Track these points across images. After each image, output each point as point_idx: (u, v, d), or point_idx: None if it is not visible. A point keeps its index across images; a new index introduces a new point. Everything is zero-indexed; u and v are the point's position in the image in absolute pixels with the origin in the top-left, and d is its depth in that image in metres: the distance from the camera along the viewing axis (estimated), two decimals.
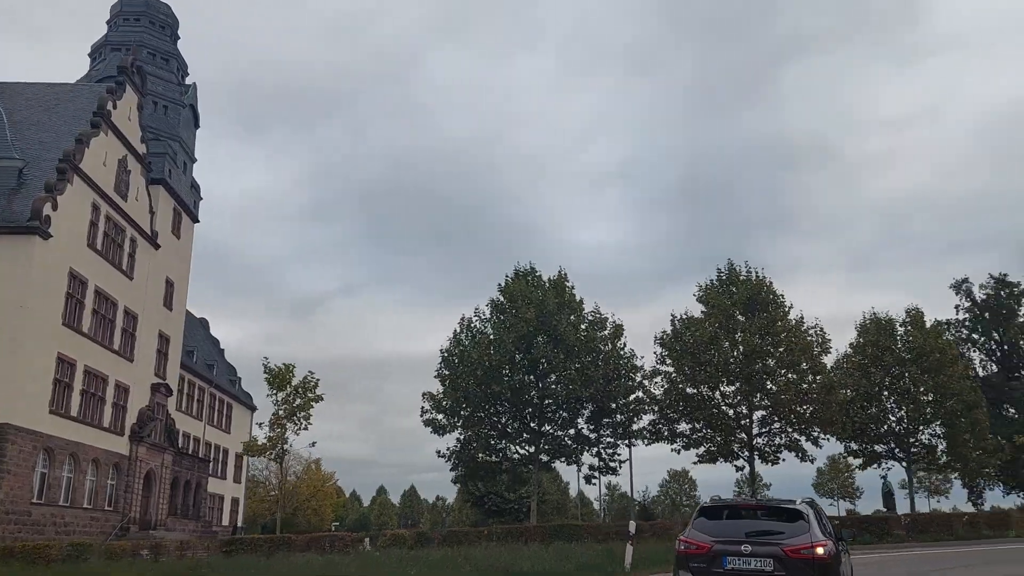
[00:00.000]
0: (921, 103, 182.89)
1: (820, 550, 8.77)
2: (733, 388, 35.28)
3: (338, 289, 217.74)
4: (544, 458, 35.11)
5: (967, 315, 55.43)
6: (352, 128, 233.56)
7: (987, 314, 54.90)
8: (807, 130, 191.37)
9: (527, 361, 33.72)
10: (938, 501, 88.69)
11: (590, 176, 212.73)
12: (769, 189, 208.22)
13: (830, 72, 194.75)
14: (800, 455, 35.25)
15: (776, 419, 35.24)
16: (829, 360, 36.24)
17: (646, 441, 36.87)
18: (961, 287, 55.29)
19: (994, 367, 61.17)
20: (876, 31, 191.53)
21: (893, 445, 39.43)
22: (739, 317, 35.05)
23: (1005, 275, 55.94)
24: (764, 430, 35.74)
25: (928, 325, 40.20)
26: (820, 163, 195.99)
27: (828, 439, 36.40)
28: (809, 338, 34.66)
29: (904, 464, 39.73)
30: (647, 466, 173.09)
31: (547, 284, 34.45)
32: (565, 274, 35.19)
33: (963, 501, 66.62)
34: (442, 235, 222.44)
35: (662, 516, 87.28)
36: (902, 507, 78.56)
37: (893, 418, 39.36)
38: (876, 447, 39.96)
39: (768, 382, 34.72)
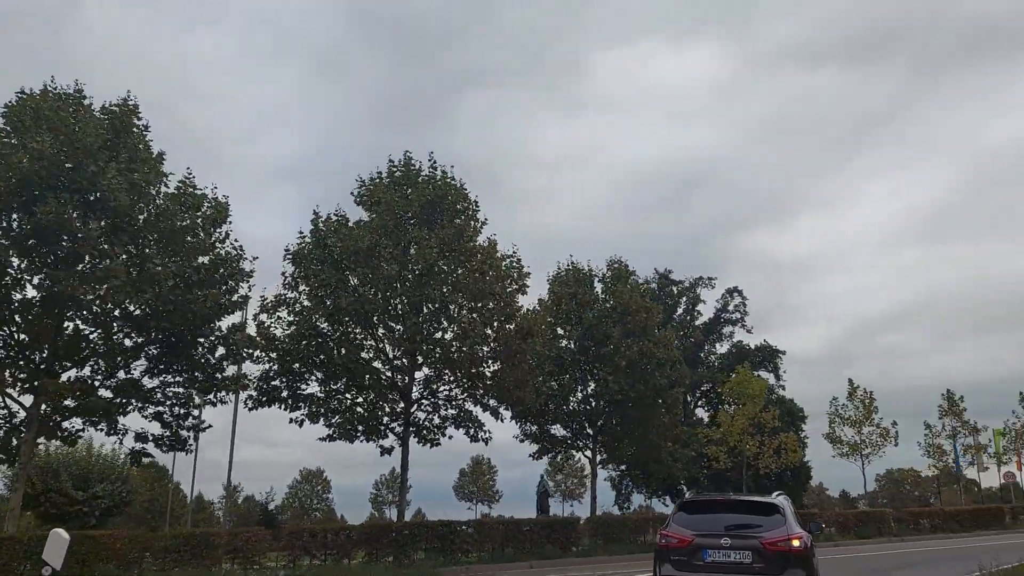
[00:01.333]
0: (574, 151, 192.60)
1: (796, 542, 9.39)
2: (393, 332, 23.78)
3: None
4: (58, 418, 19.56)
5: None
6: None
7: None
8: (478, 157, 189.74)
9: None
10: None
11: (264, 167, 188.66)
12: None
13: (503, 107, 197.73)
14: (473, 430, 25.04)
15: (447, 376, 24.47)
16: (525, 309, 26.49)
17: (249, 404, 23.57)
18: None
19: None
20: (547, 78, 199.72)
21: (586, 428, 31.30)
22: (413, 227, 23.68)
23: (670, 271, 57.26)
24: (427, 394, 24.82)
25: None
26: (488, 190, 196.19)
27: (506, 413, 26.81)
28: (504, 268, 24.56)
29: (589, 455, 31.90)
30: (275, 458, 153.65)
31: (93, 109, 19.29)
32: (131, 102, 20.00)
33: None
34: None
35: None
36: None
37: (580, 394, 31.18)
38: (556, 430, 31.62)
39: (443, 319, 23.81)
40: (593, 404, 30.84)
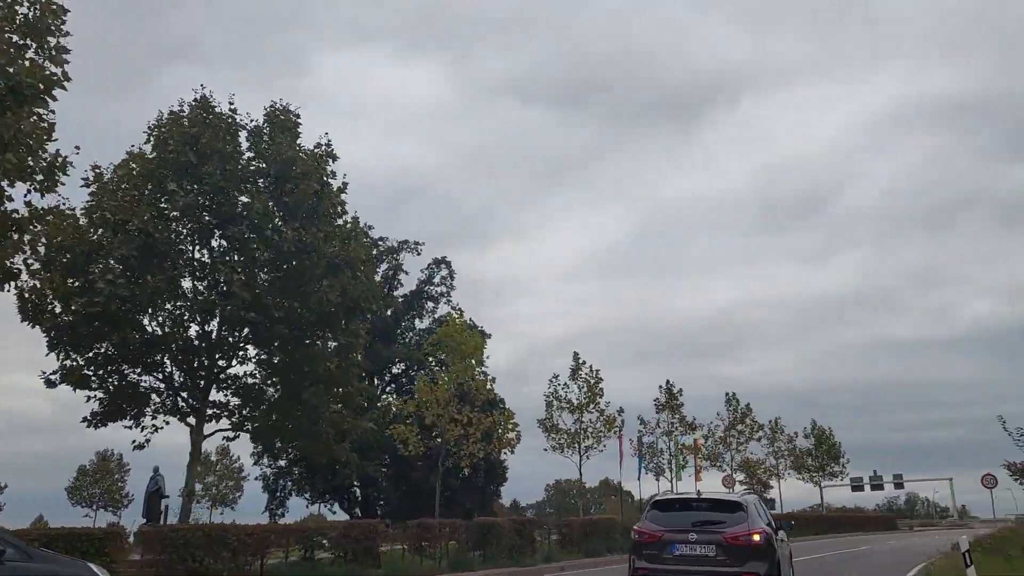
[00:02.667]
0: None
1: (756, 537, 9.90)
2: None
3: None
4: None
5: None
6: None
7: None
8: None
9: None
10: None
11: None
12: None
13: (216, 87, 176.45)
14: None
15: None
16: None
17: None
18: None
19: None
20: (265, 67, 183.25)
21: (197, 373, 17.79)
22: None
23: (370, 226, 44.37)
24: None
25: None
26: None
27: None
28: None
29: (192, 426, 18.77)
30: None
31: None
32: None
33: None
34: None
35: None
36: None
37: (185, 309, 17.93)
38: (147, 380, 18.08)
39: None
40: (207, 326, 17.93)
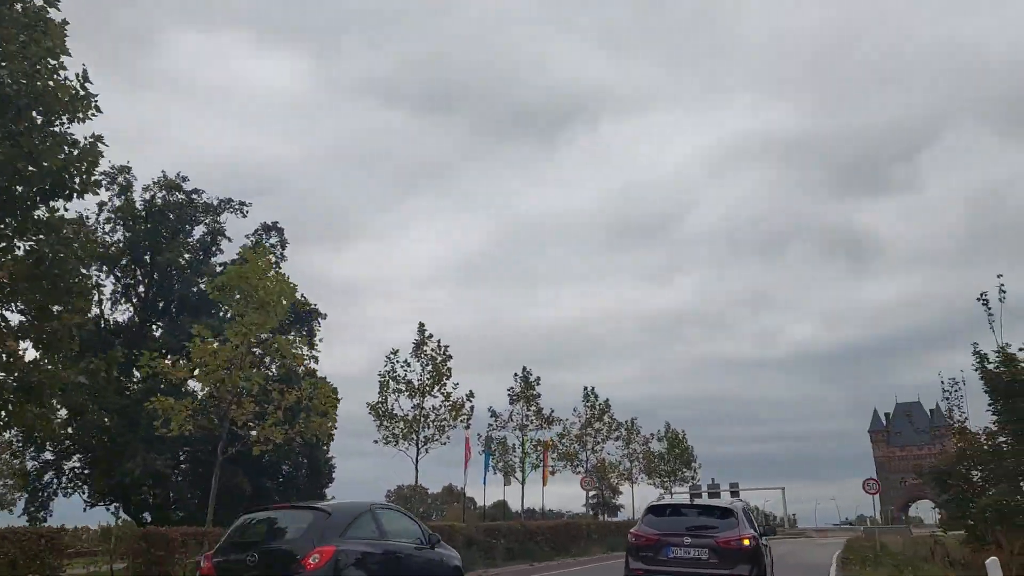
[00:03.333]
0: (132, 125, 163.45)
1: (746, 542, 10.64)
2: None
3: None
4: None
5: None
6: None
7: None
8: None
9: None
10: None
11: None
12: None
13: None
14: None
15: None
16: None
17: None
18: None
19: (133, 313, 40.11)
20: (111, 43, 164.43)
21: None
22: None
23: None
24: None
25: None
26: None
27: None
28: None
29: None
30: None
31: None
32: None
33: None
34: None
35: None
36: None
37: None
38: None
39: None
40: None
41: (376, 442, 26.59)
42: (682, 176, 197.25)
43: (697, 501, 11.91)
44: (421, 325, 26.73)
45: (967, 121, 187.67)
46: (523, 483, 36.20)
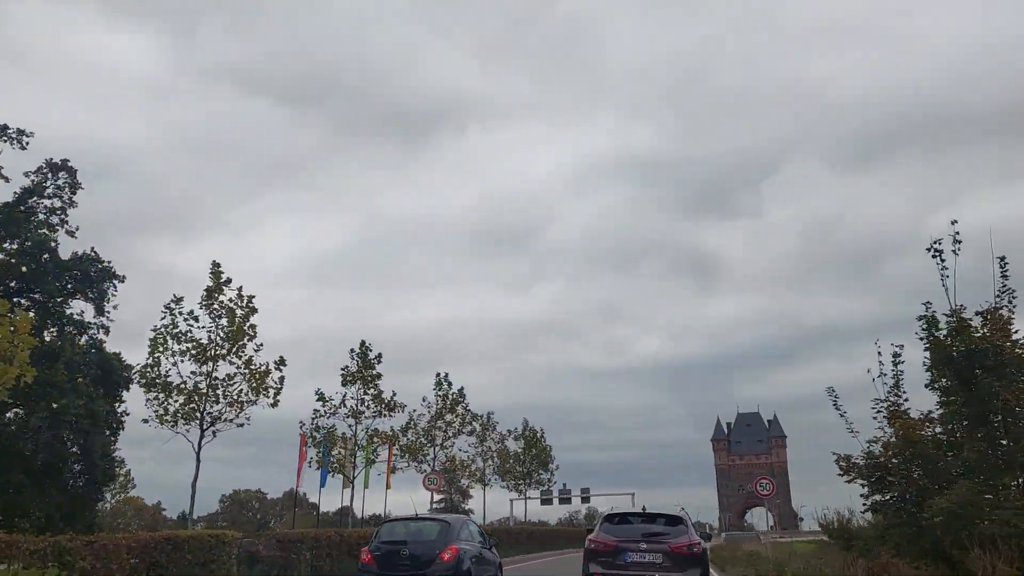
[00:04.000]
0: None
1: (695, 548, 11.98)
2: None
3: None
4: None
5: None
6: None
7: None
8: None
9: None
10: None
11: None
12: None
13: None
14: None
15: None
16: None
17: None
18: None
19: None
20: None
21: None
22: None
23: None
24: None
25: None
26: None
27: None
28: None
29: None
30: None
31: None
32: None
33: None
34: None
35: None
36: None
37: None
38: None
39: None
40: None
41: (146, 421, 19.42)
42: (545, 188, 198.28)
43: (650, 511, 12.74)
44: (215, 265, 19.83)
45: (805, 155, 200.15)
46: (353, 482, 29.72)
